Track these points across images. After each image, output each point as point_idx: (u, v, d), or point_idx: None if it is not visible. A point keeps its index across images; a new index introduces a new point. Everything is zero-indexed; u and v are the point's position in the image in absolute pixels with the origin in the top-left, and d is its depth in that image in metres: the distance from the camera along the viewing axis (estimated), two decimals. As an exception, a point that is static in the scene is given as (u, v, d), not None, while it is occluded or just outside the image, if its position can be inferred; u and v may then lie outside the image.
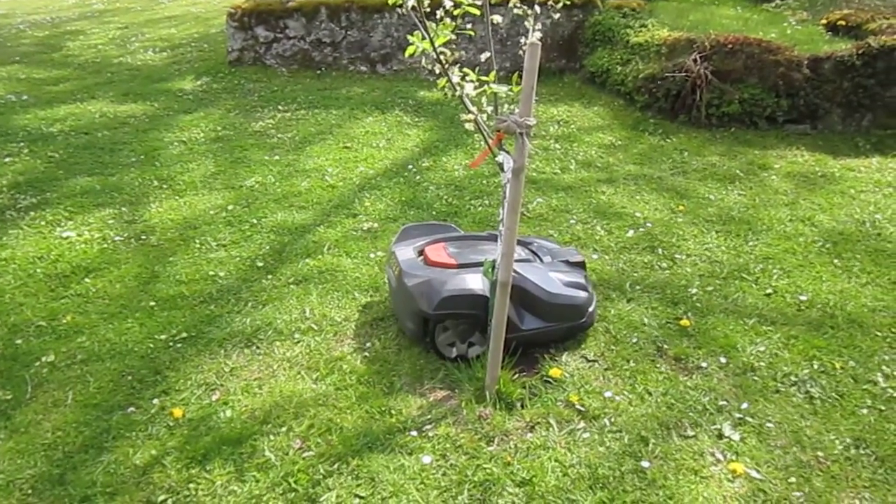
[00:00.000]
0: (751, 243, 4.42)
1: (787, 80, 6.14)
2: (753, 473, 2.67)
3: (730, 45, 6.23)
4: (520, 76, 2.50)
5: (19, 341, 3.46)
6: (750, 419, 2.94)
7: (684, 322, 3.59)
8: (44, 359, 3.32)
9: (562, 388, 3.11)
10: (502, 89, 2.58)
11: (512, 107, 2.97)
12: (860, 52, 6.05)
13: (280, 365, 3.29)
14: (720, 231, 4.58)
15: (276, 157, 5.76)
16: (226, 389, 3.12)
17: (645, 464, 2.69)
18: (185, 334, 3.50)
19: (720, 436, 2.85)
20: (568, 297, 3.26)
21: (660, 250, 4.33)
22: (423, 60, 2.56)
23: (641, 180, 5.36)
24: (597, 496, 2.55)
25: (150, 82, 7.75)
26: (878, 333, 3.51)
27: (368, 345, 3.43)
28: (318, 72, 8.08)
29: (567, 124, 6.54)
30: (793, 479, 2.64)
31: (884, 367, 3.26)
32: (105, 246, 4.37)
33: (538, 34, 2.63)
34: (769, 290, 3.89)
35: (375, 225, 4.65)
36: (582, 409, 2.98)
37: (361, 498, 2.55)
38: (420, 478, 2.63)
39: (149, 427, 2.90)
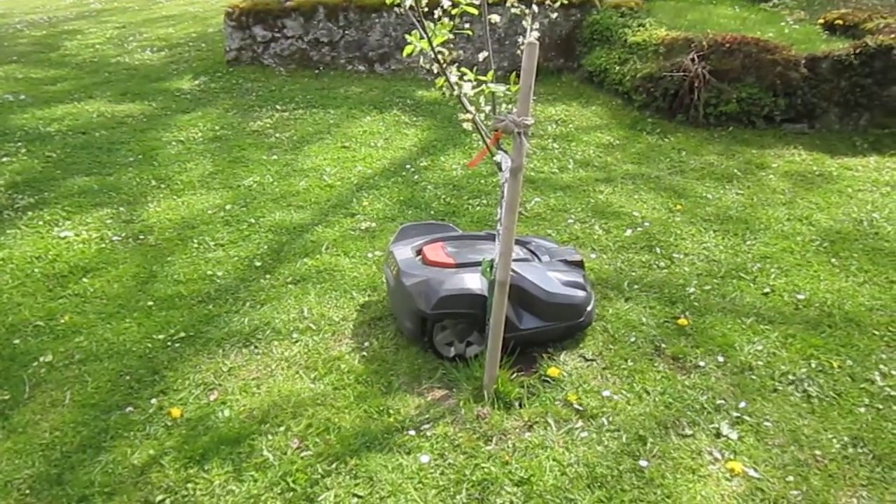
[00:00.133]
0: (748, 242, 4.42)
1: (784, 79, 6.15)
2: (751, 472, 2.67)
3: (727, 45, 6.24)
4: (517, 75, 2.49)
5: (17, 341, 3.45)
6: (748, 418, 2.95)
7: (682, 321, 3.59)
8: (42, 359, 3.31)
9: (560, 387, 3.11)
10: (500, 89, 2.57)
11: (510, 106, 2.96)
12: (857, 51, 6.06)
13: (278, 364, 3.29)
14: (718, 230, 4.58)
15: (274, 157, 5.76)
16: (224, 389, 3.12)
17: (643, 463, 2.70)
18: (183, 334, 3.50)
19: (718, 435, 2.85)
20: (566, 296, 3.26)
21: (658, 249, 4.34)
22: (421, 60, 2.56)
23: (639, 179, 5.37)
24: (595, 495, 2.55)
25: (147, 82, 7.75)
26: (876, 332, 3.51)
27: (366, 344, 3.43)
28: (316, 71, 8.07)
29: (565, 124, 6.55)
30: (790, 478, 2.65)
31: (881, 366, 3.27)
32: (103, 246, 4.36)
33: (536, 34, 2.63)
34: (767, 290, 3.89)
35: (373, 224, 4.64)
36: (580, 408, 2.98)
37: (359, 497, 2.55)
38: (418, 477, 2.63)
39: (147, 427, 2.90)
